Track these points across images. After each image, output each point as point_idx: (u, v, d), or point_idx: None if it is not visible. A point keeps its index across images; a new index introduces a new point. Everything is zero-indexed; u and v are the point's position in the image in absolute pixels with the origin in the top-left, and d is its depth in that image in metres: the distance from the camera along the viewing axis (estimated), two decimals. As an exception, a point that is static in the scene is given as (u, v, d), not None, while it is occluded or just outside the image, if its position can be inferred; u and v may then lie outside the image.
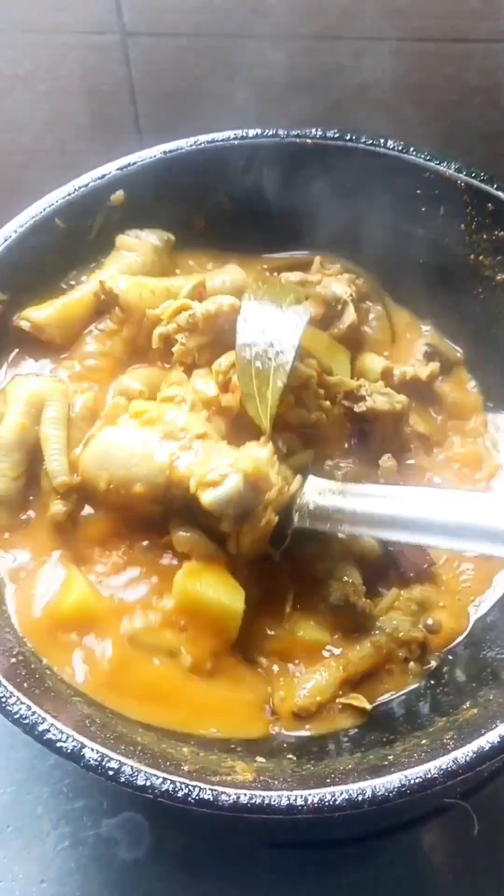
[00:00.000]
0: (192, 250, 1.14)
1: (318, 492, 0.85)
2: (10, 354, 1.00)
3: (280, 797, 0.65)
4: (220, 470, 0.80)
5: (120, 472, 0.84)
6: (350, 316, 1.06)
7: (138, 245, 1.07)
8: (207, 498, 0.79)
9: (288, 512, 0.84)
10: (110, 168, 1.05)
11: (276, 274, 1.13)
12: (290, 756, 0.77)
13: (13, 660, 0.76)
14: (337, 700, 0.82)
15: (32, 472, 0.90)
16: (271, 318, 0.89)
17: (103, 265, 1.07)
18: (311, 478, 0.87)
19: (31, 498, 0.89)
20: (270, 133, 1.08)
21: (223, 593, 0.81)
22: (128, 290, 0.99)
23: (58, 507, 0.86)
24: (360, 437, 0.97)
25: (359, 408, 0.94)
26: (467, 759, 0.67)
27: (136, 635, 0.82)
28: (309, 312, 0.91)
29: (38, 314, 0.99)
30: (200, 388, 0.91)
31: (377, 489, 0.85)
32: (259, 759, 0.76)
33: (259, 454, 0.82)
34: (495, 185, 1.02)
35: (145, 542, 0.87)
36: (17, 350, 1.00)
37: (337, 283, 1.08)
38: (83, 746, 0.68)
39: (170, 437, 0.85)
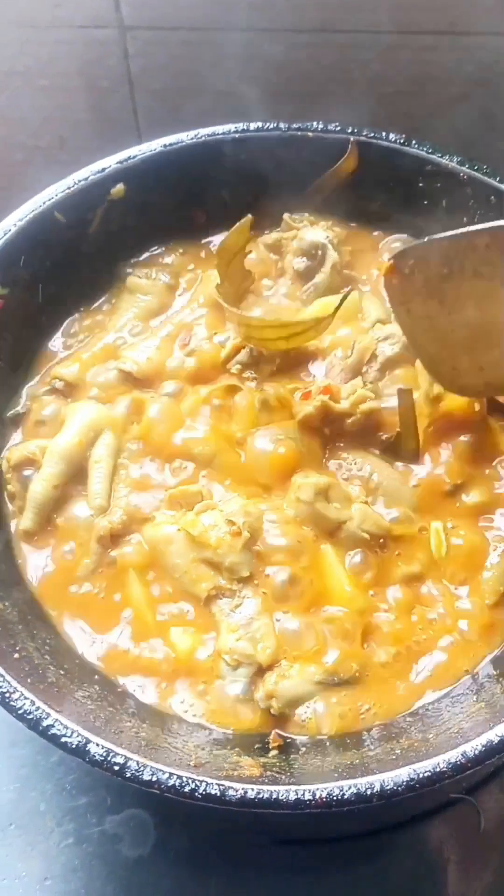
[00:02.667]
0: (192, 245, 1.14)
1: None
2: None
3: (288, 792, 0.65)
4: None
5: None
6: (331, 258, 1.06)
7: (150, 287, 1.09)
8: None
9: None
10: (110, 161, 1.05)
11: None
12: (296, 751, 0.76)
13: (16, 655, 0.75)
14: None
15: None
16: None
17: (116, 310, 1.08)
18: None
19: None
20: (272, 126, 1.08)
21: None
22: (136, 362, 1.01)
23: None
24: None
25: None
26: (476, 752, 0.66)
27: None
28: None
29: (68, 371, 1.02)
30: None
31: None
32: (265, 754, 0.75)
33: None
34: (498, 178, 1.02)
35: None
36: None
37: (312, 230, 1.08)
38: (88, 741, 0.67)
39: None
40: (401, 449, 0.93)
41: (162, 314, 1.08)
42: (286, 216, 1.11)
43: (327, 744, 0.77)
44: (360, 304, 1.05)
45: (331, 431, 0.93)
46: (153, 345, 1.03)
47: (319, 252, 1.06)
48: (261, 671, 0.80)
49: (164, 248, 1.13)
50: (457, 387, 0.92)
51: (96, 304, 1.10)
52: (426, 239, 0.87)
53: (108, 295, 1.10)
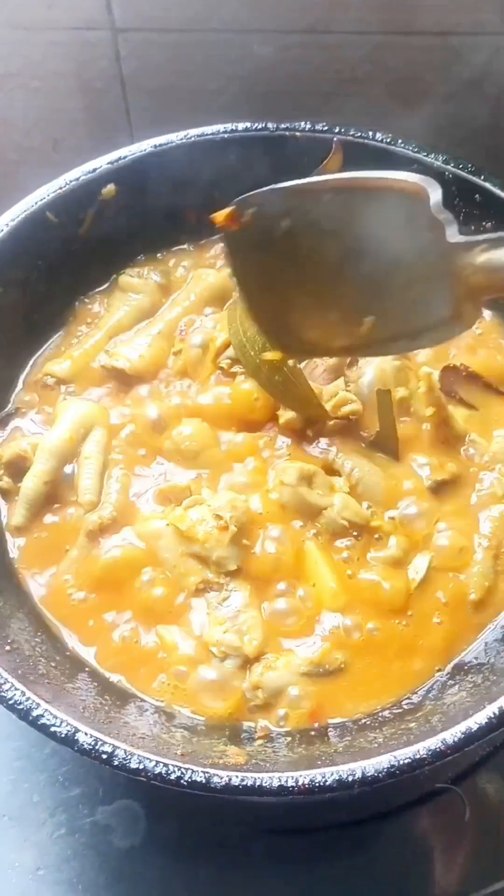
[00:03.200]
0: (183, 245, 1.16)
1: None
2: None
3: (271, 778, 0.66)
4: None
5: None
6: None
7: (142, 285, 1.10)
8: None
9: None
10: (101, 162, 1.06)
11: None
12: (280, 741, 0.78)
13: (7, 647, 0.77)
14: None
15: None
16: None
17: (109, 308, 1.09)
18: None
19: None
20: (260, 126, 1.09)
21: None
22: (128, 359, 1.02)
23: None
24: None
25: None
26: (455, 739, 0.68)
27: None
28: None
29: (60, 368, 1.03)
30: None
31: None
32: (251, 743, 0.77)
33: None
34: (482, 177, 1.03)
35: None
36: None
37: None
38: (77, 731, 0.69)
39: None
40: (381, 448, 0.94)
41: (154, 313, 1.09)
42: None
43: (311, 733, 0.78)
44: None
45: (313, 433, 0.95)
46: (145, 342, 1.04)
47: None
48: (247, 662, 0.82)
49: (155, 249, 1.14)
50: (281, 344, 0.90)
51: (88, 304, 1.11)
52: (269, 187, 0.82)
53: (100, 295, 1.11)
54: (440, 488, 0.93)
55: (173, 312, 1.08)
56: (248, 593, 0.85)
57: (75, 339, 1.08)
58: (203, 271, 1.11)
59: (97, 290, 1.12)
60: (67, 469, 0.94)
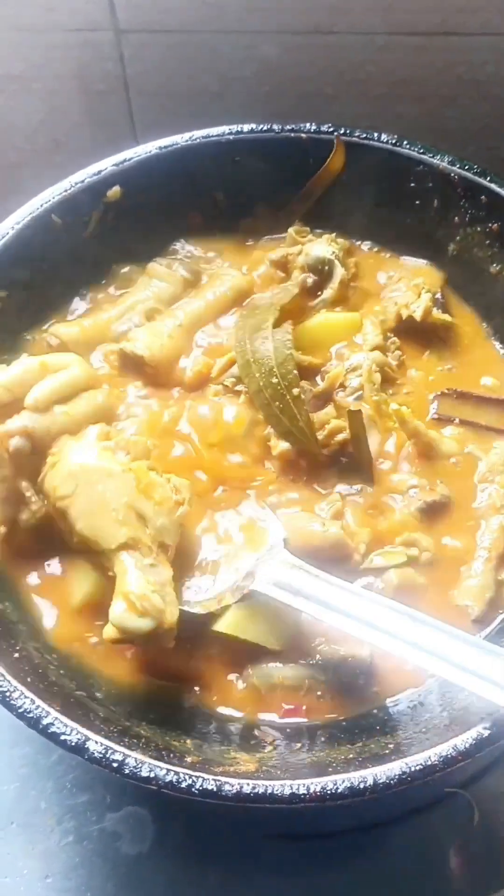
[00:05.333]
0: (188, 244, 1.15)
1: (288, 565, 0.81)
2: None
3: (283, 786, 0.66)
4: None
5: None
6: (339, 274, 1.06)
7: (169, 276, 1.08)
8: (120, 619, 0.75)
9: None
10: (106, 164, 1.06)
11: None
12: (291, 746, 0.77)
13: (16, 655, 0.76)
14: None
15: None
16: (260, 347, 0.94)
17: (132, 291, 1.08)
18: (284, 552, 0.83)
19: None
20: (265, 128, 1.08)
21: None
22: (148, 346, 0.99)
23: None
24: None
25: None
26: (467, 745, 0.67)
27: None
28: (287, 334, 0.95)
29: (68, 331, 1.02)
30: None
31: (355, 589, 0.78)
32: (261, 749, 0.76)
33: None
34: (488, 178, 1.02)
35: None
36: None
37: (317, 245, 1.08)
38: (87, 739, 0.68)
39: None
40: (355, 470, 0.93)
41: (173, 304, 1.07)
42: (291, 231, 1.12)
43: (322, 739, 0.78)
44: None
45: (307, 463, 0.93)
46: (165, 332, 1.02)
47: (326, 267, 1.07)
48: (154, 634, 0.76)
49: (161, 251, 1.14)
50: None
51: (93, 306, 1.10)
52: None
53: (103, 296, 1.11)
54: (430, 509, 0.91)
55: (194, 305, 1.06)
56: (171, 576, 0.80)
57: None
58: (224, 270, 1.11)
59: (102, 293, 1.11)
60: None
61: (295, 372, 0.93)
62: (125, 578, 0.77)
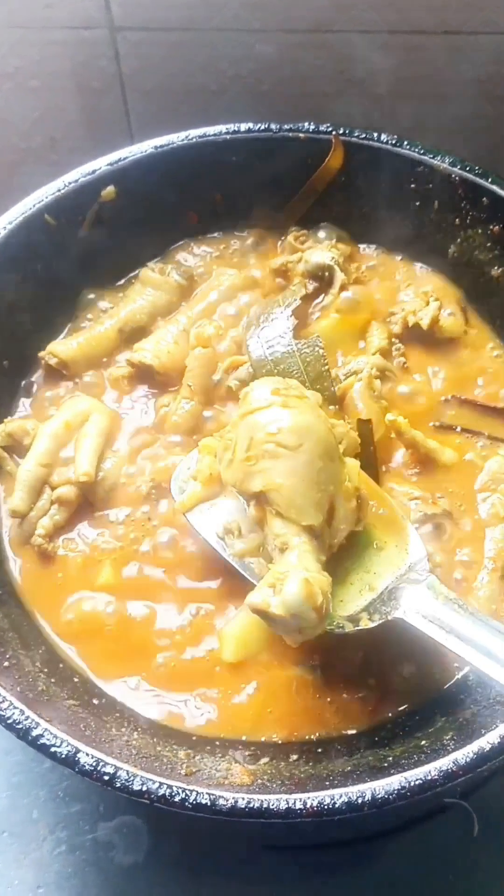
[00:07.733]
0: (185, 246, 1.14)
1: (441, 598, 0.74)
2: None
3: (279, 801, 0.64)
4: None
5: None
6: (339, 279, 1.05)
7: (162, 283, 1.07)
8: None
9: None
10: (101, 163, 1.04)
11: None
12: (287, 758, 0.76)
13: (6, 663, 0.75)
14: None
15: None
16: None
17: (125, 298, 1.07)
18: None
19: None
20: (263, 127, 1.07)
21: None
22: (156, 355, 1.00)
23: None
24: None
25: None
26: (467, 760, 0.66)
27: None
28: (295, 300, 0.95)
29: (64, 349, 1.02)
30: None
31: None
32: (256, 761, 0.75)
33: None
34: (490, 179, 1.01)
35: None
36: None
37: (317, 252, 1.07)
38: (78, 751, 0.67)
39: None
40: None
41: (170, 312, 1.07)
42: (290, 237, 1.11)
43: (318, 751, 0.76)
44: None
45: None
46: (170, 339, 1.02)
47: (326, 274, 1.06)
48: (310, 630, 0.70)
49: (156, 252, 1.13)
50: None
51: (89, 307, 1.09)
52: None
53: (96, 296, 1.09)
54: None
55: (195, 309, 1.06)
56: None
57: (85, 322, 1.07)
58: (222, 270, 1.10)
59: (96, 293, 1.10)
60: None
61: (332, 389, 0.93)
62: (306, 558, 0.71)
